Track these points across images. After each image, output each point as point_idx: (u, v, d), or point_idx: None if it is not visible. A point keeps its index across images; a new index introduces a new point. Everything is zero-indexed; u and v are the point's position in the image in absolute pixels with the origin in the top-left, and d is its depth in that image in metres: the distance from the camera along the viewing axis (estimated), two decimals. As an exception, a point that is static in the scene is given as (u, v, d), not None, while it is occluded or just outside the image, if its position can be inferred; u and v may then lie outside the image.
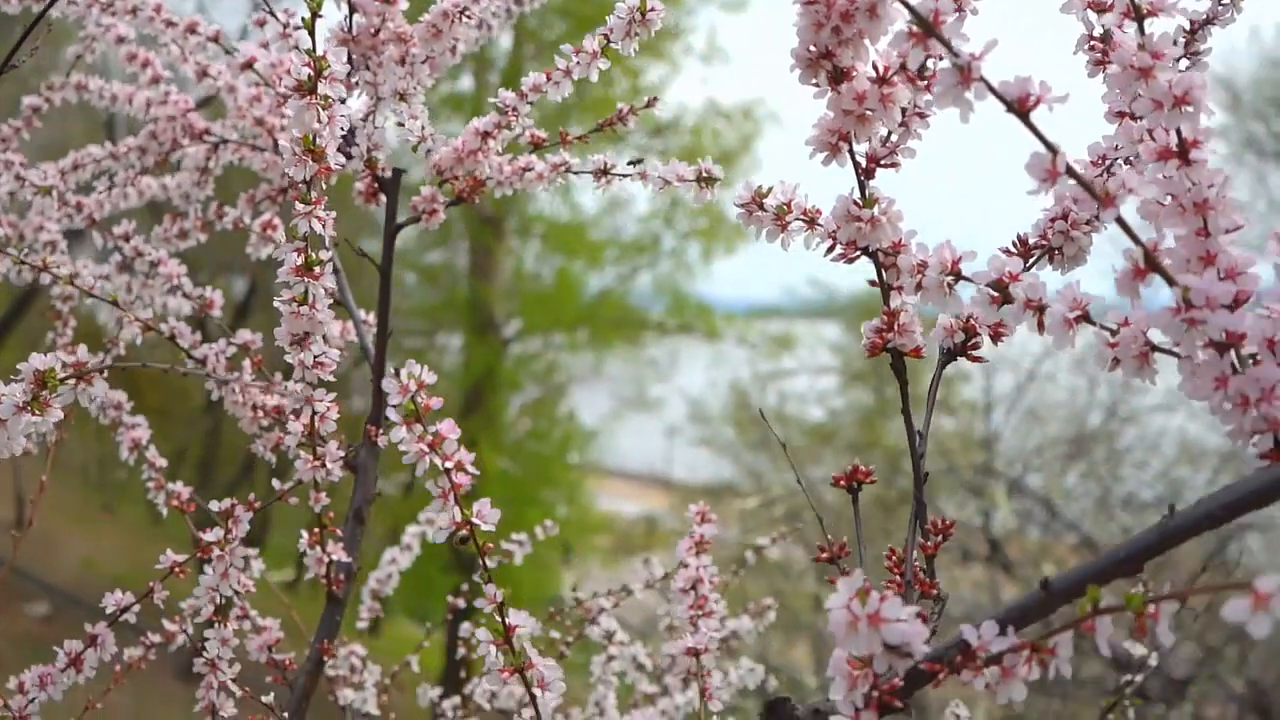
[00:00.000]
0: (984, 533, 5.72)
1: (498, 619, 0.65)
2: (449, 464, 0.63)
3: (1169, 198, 0.54)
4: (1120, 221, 0.52)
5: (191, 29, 1.11)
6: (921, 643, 0.51)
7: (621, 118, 1.01)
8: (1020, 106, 0.51)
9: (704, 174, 0.86)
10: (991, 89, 0.51)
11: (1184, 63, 0.72)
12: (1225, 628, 6.26)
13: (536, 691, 0.65)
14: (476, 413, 11.09)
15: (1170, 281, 0.52)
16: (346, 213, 1.23)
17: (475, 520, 0.63)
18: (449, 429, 0.63)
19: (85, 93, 1.29)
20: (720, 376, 10.49)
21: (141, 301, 1.17)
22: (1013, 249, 0.69)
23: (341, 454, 0.91)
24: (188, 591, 0.99)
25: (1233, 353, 0.52)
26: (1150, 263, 0.52)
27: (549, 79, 0.92)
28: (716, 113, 10.38)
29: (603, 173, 0.97)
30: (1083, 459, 6.40)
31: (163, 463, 1.11)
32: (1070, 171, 0.51)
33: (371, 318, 1.13)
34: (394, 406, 0.62)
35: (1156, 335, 0.55)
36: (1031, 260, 0.69)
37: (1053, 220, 0.69)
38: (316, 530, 0.97)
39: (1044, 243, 0.69)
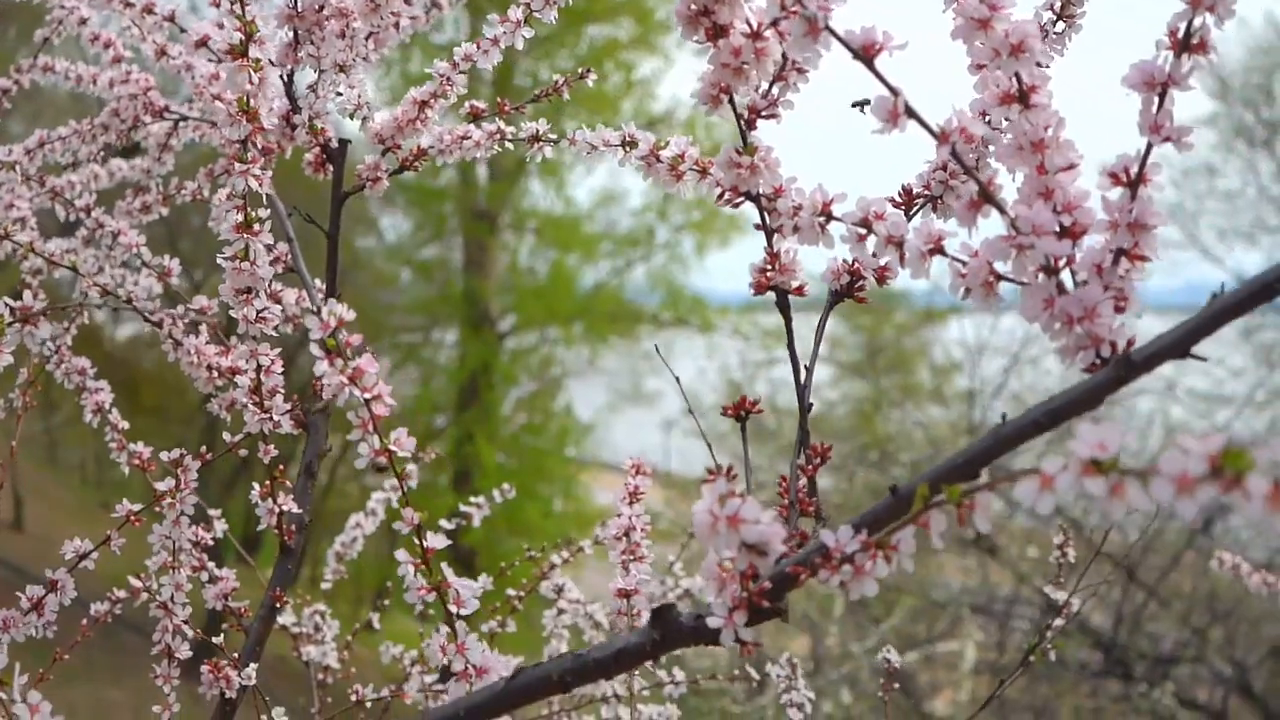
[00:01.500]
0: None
1: (415, 541, 0.70)
2: (368, 395, 0.68)
3: (1009, 137, 0.59)
4: (956, 157, 0.57)
5: (148, 9, 1.16)
6: (779, 543, 0.57)
7: (557, 89, 1.06)
8: (866, 53, 0.56)
9: (628, 139, 0.91)
10: (838, 38, 0.56)
11: (1060, 25, 0.77)
12: (1210, 610, 6.33)
13: (453, 608, 0.70)
14: (472, 407, 11.15)
15: (1002, 212, 0.57)
16: (299, 187, 1.28)
17: (393, 447, 0.69)
18: (368, 363, 0.68)
19: (52, 74, 1.33)
20: (712, 368, 10.52)
21: (106, 273, 1.22)
22: (897, 198, 0.75)
23: (288, 407, 0.96)
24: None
25: (1064, 276, 0.57)
26: (985, 195, 0.57)
27: (479, 47, 0.97)
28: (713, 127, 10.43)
29: (535, 139, 1.02)
30: (1064, 443, 6.45)
31: (124, 425, 1.16)
32: (909, 112, 0.56)
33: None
34: (315, 341, 0.67)
35: (1001, 266, 0.61)
36: (915, 208, 0.74)
37: (934, 170, 0.74)
38: (268, 482, 1.02)
39: (926, 192, 0.74)
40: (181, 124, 1.25)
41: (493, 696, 0.64)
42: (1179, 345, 0.52)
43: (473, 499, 1.45)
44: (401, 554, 0.70)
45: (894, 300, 10.13)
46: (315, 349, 0.68)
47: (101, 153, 1.26)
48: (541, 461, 11.14)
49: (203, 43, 1.12)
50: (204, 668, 1.01)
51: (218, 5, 1.15)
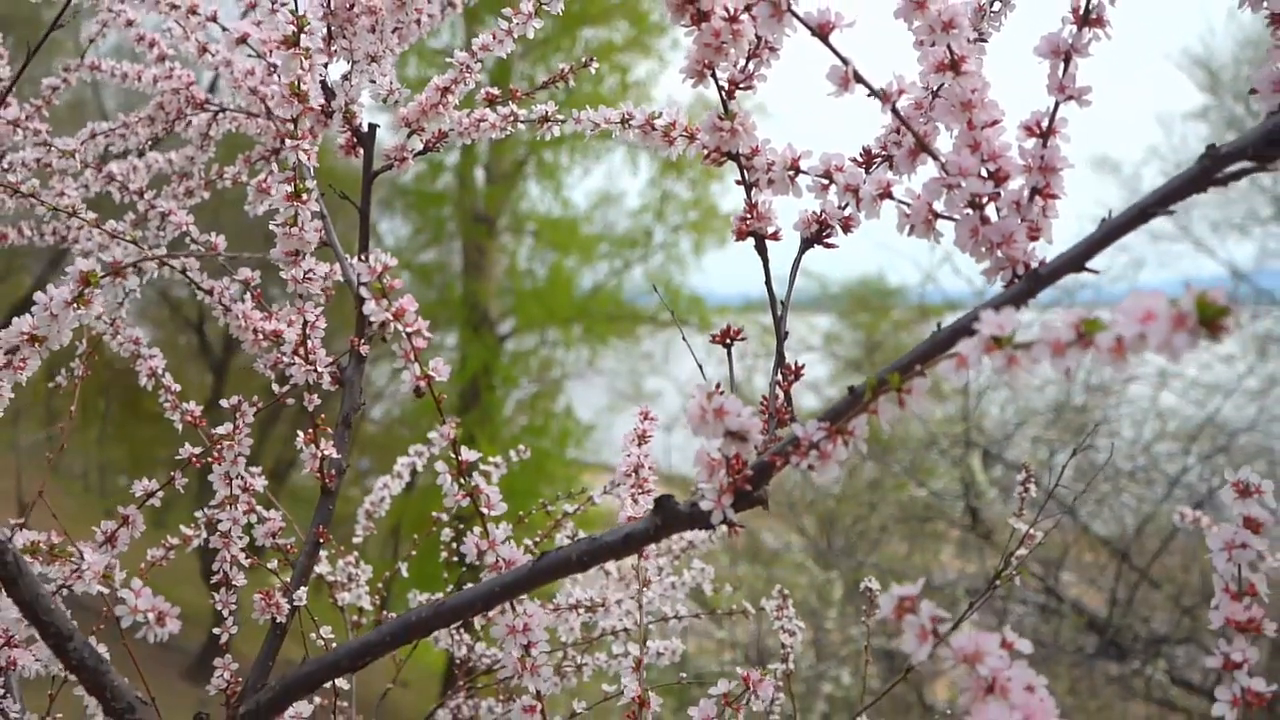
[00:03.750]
0: (965, 501, 5.91)
1: (453, 455, 0.83)
2: (410, 330, 0.80)
3: (943, 100, 0.72)
4: (896, 114, 0.69)
5: (192, 10, 1.29)
6: (758, 432, 0.69)
7: (564, 76, 1.18)
8: (822, 31, 0.69)
9: (626, 116, 1.03)
10: (799, 18, 0.69)
11: (997, 4, 0.90)
12: (1201, 591, 6.45)
13: (485, 510, 0.83)
14: (473, 409, 11.26)
15: (935, 158, 0.69)
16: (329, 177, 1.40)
17: (431, 373, 0.81)
18: (409, 302, 0.81)
19: (98, 73, 1.46)
20: (712, 362, 10.60)
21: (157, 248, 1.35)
22: (859, 158, 0.87)
23: (330, 360, 1.09)
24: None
25: (987, 210, 0.70)
26: (920, 145, 0.70)
27: (495, 38, 1.10)
28: (705, 105, 10.51)
29: (544, 119, 1.15)
30: (1056, 427, 6.58)
31: (177, 387, 1.28)
32: (858, 78, 0.69)
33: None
34: (364, 285, 0.79)
35: (938, 206, 0.73)
36: (875, 166, 0.87)
37: (888, 133, 0.86)
38: (311, 430, 1.14)
39: (883, 151, 0.86)
40: (220, 115, 1.38)
41: (523, 575, 0.77)
42: (1075, 261, 0.65)
43: (490, 459, 1.57)
44: (441, 465, 0.83)
45: (891, 298, 10.25)
46: (364, 291, 0.80)
47: (148, 143, 1.38)
48: (543, 463, 11.24)
49: (242, 40, 1.25)
50: (256, 596, 1.14)
51: (254, 6, 1.28)
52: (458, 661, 1.61)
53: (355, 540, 1.61)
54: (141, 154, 1.50)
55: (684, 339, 0.94)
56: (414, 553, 1.68)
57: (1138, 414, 7.95)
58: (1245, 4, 0.67)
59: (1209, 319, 0.46)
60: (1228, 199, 9.35)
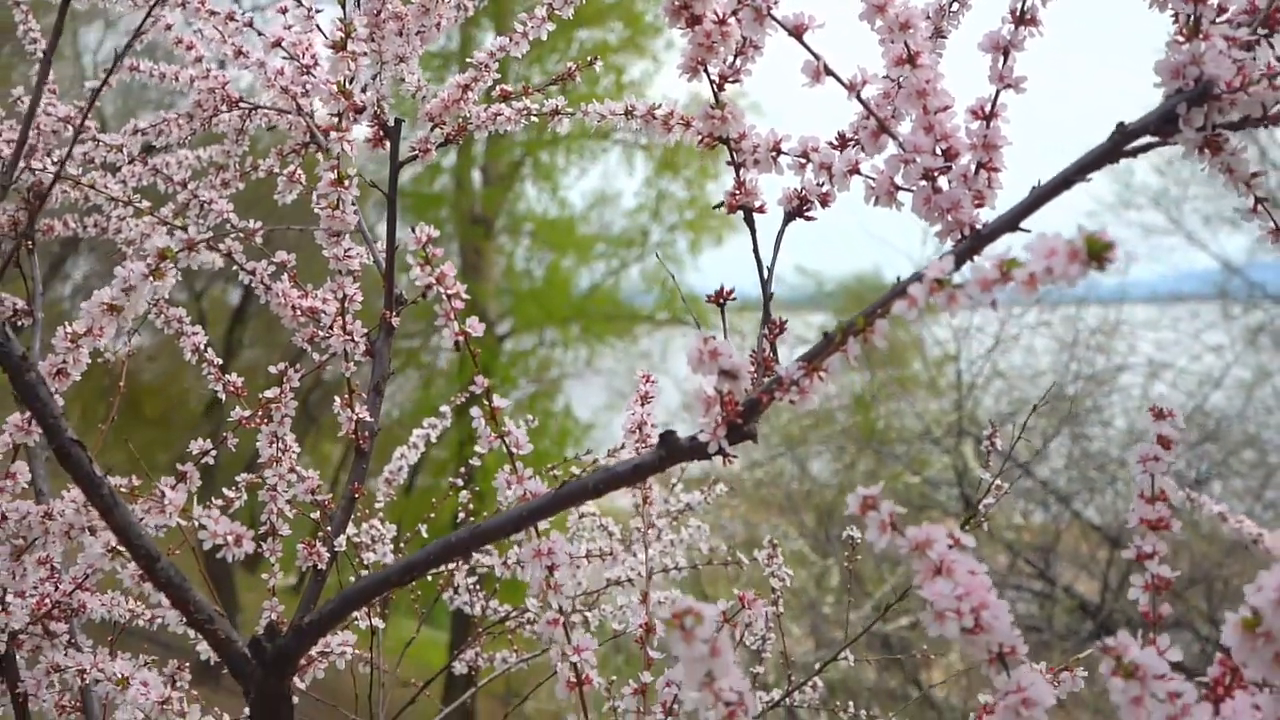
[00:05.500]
0: (959, 488, 6.05)
1: (486, 404, 0.95)
2: (450, 292, 0.93)
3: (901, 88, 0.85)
4: (861, 101, 0.82)
5: (230, 17, 1.41)
6: (746, 371, 0.81)
7: (570, 75, 1.31)
8: (797, 32, 0.82)
9: (629, 108, 1.16)
10: (777, 21, 0.81)
11: (955, 5, 1.02)
12: (1189, 577, 6.59)
13: (514, 449, 0.95)
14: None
15: (894, 138, 0.82)
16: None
17: (468, 329, 0.94)
18: (449, 269, 0.93)
19: (139, 73, 1.58)
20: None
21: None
22: (834, 141, 1.00)
23: (365, 331, 1.21)
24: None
25: (939, 182, 0.82)
26: (881, 127, 0.82)
27: (512, 39, 1.22)
28: (698, 104, 10.62)
29: (555, 113, 1.27)
30: (1043, 415, 6.72)
31: (219, 361, 1.41)
32: (828, 70, 0.81)
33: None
34: (411, 253, 0.92)
35: (899, 180, 0.86)
36: (848, 147, 0.99)
37: (860, 120, 0.99)
38: (347, 395, 1.27)
39: (855, 135, 0.99)
40: (253, 112, 1.50)
41: (546, 501, 0.89)
42: (1010, 223, 0.78)
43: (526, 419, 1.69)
44: (475, 410, 0.95)
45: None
46: (410, 259, 0.93)
47: (187, 138, 1.50)
48: (542, 463, 11.31)
49: (277, 43, 1.37)
50: (300, 546, 1.26)
51: (284, 11, 1.40)
52: (474, 619, 1.74)
53: (377, 505, 1.73)
54: (179, 148, 1.62)
55: (696, 323, 1.06)
56: (432, 515, 1.80)
57: (1130, 403, 8.10)
58: (1154, 4, 0.80)
59: (1096, 253, 0.58)
60: (1220, 192, 9.49)
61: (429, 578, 1.73)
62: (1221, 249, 9.07)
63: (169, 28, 1.53)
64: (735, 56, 0.92)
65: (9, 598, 1.12)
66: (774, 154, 0.91)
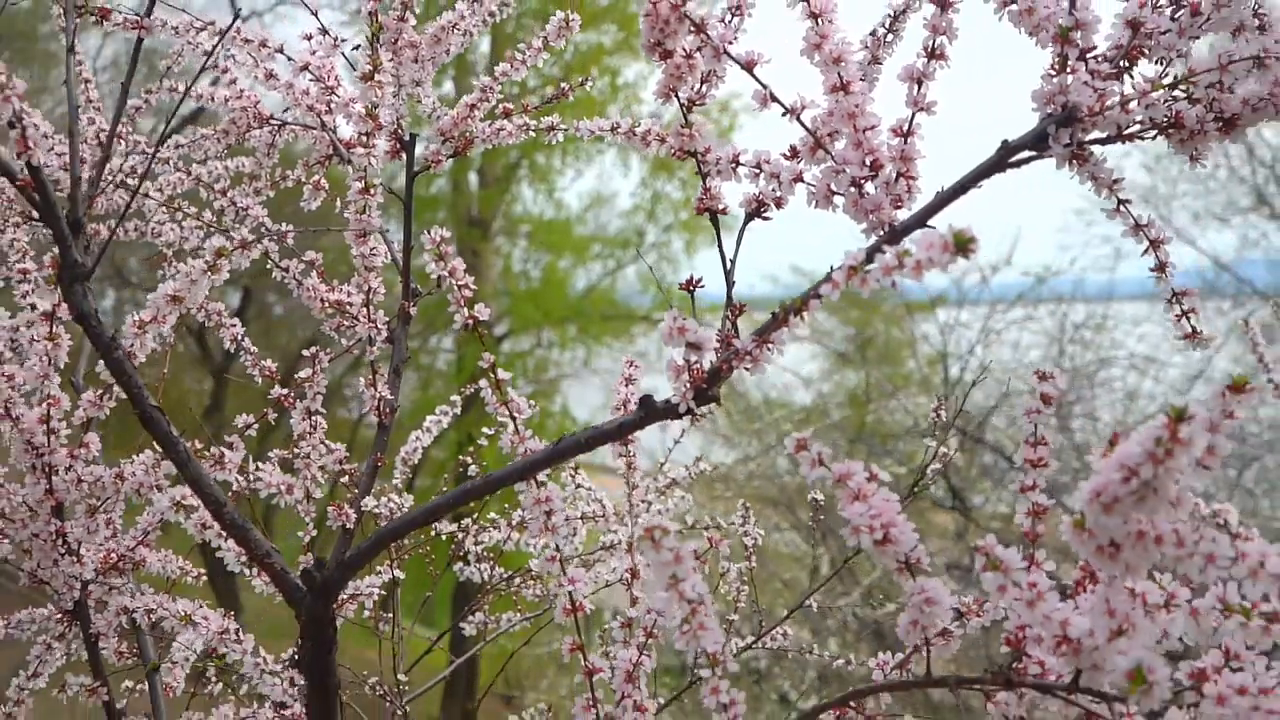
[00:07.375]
0: (945, 480, 6.23)
1: (492, 375, 1.14)
2: (460, 282, 1.11)
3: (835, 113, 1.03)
4: (800, 123, 1.00)
5: (263, 44, 1.59)
6: (710, 344, 1.00)
7: (564, 93, 1.50)
8: (748, 65, 1.00)
9: (615, 124, 1.34)
10: (731, 57, 1.00)
11: (890, 35, 1.21)
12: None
13: (516, 414, 1.13)
14: (471, 411, 11.56)
15: (828, 153, 1.00)
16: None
17: (476, 314, 1.12)
18: (460, 263, 1.11)
19: (177, 93, 1.77)
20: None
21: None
22: (786, 154, 1.18)
23: (388, 319, 1.40)
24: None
25: (866, 188, 1.01)
26: (817, 143, 1.01)
27: (512, 65, 1.41)
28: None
29: (551, 129, 1.46)
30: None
31: (255, 350, 1.59)
32: (773, 97, 0.99)
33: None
34: (427, 250, 1.10)
35: (834, 186, 1.04)
36: (796, 159, 1.18)
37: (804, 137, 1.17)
38: (370, 375, 1.45)
39: (799, 150, 1.17)
40: (283, 128, 1.68)
41: (544, 455, 1.08)
42: (919, 221, 0.96)
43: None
44: (483, 381, 1.14)
45: (879, 293, 10.55)
46: (426, 255, 1.11)
47: (225, 151, 1.69)
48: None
49: (304, 67, 1.55)
50: (330, 508, 1.44)
51: (309, 38, 1.59)
52: (480, 585, 1.92)
53: (394, 482, 1.92)
54: (217, 159, 1.80)
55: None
56: (445, 488, 1.98)
57: (1117, 398, 8.30)
58: (1002, 15, 0.98)
59: (961, 245, 0.77)
60: (1208, 190, 9.68)
61: (440, 535, 1.92)
62: (1210, 246, 9.25)
63: (208, 55, 1.71)
64: (701, 83, 1.10)
65: (82, 550, 1.31)
66: (733, 165, 1.10)
